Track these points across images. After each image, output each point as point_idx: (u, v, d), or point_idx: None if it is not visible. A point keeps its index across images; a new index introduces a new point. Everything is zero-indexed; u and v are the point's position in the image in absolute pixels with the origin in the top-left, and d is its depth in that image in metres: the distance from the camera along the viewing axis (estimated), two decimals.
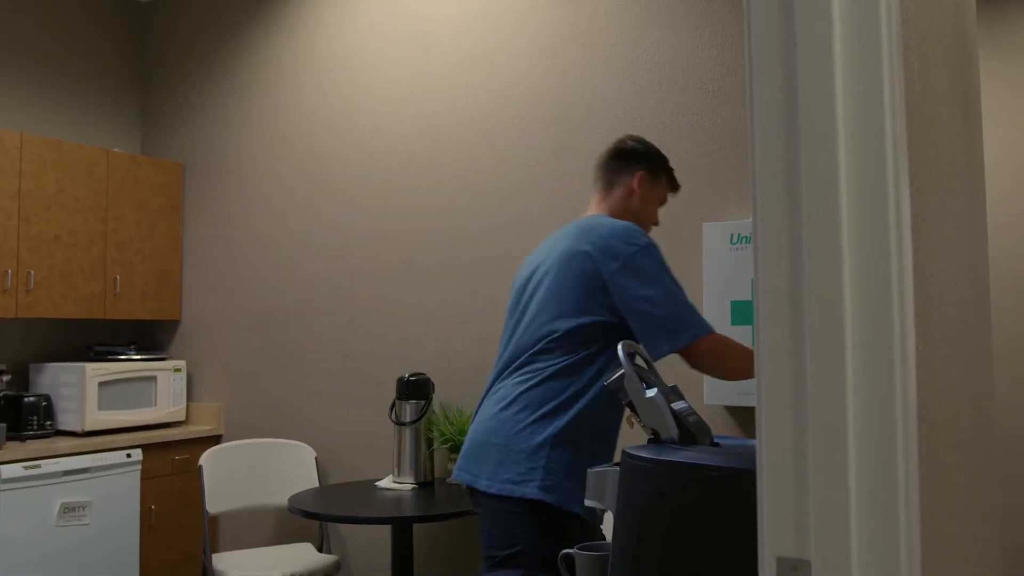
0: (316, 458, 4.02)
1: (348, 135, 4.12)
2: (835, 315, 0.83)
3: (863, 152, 0.85)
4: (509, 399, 2.23)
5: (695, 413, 1.53)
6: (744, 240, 2.96)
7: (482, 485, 2.19)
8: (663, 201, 2.50)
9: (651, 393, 1.46)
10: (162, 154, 4.77)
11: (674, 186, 2.51)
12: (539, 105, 3.59)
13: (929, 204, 1.07)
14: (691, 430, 1.46)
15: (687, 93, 3.26)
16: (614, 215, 2.38)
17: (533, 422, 2.17)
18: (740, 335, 2.92)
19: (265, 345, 4.33)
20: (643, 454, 1.38)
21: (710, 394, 2.98)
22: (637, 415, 1.49)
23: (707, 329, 2.18)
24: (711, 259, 3.02)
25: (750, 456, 1.28)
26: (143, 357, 4.35)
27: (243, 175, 4.47)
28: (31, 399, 3.90)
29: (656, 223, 2.49)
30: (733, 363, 2.21)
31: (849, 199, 0.84)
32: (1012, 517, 4.11)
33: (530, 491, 2.13)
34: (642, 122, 3.33)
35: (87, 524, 3.73)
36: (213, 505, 3.71)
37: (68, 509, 3.67)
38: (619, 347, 1.55)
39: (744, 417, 3.06)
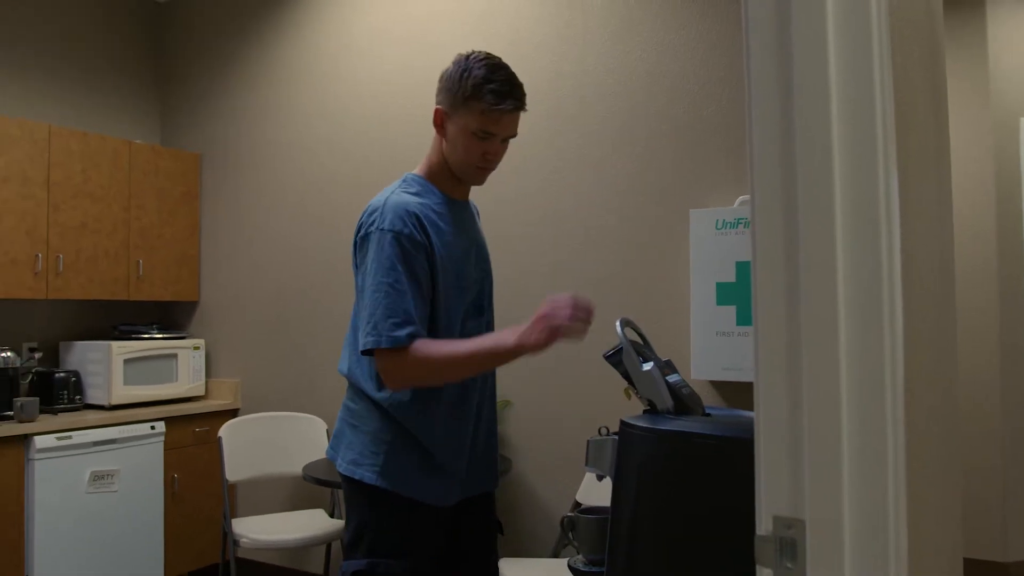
0: (327, 430, 4.01)
1: (354, 125, 4.09)
2: (829, 293, 0.83)
3: (855, 137, 0.84)
4: None
5: (688, 385, 1.53)
6: (728, 226, 2.95)
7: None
8: (483, 130, 1.80)
9: (647, 367, 1.46)
10: (180, 145, 4.73)
11: (497, 100, 1.77)
12: (534, 98, 3.56)
13: (911, 189, 1.06)
14: (685, 401, 1.46)
15: (675, 89, 3.24)
16: (430, 170, 1.94)
17: None
18: (725, 315, 2.91)
19: (279, 324, 4.31)
20: (640, 423, 1.38)
21: (696, 369, 2.98)
22: (634, 387, 1.49)
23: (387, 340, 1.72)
24: (698, 244, 3.01)
25: (741, 426, 1.28)
26: (165, 336, 4.33)
27: (257, 163, 4.44)
28: (61, 375, 3.88)
29: (481, 161, 1.88)
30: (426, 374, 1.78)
31: (842, 181, 0.83)
32: (967, 484, 4.12)
33: None
34: (633, 114, 3.32)
35: (115, 491, 3.72)
36: (232, 474, 3.70)
37: (98, 477, 3.65)
38: (617, 323, 1.54)
39: (727, 390, 3.06)
